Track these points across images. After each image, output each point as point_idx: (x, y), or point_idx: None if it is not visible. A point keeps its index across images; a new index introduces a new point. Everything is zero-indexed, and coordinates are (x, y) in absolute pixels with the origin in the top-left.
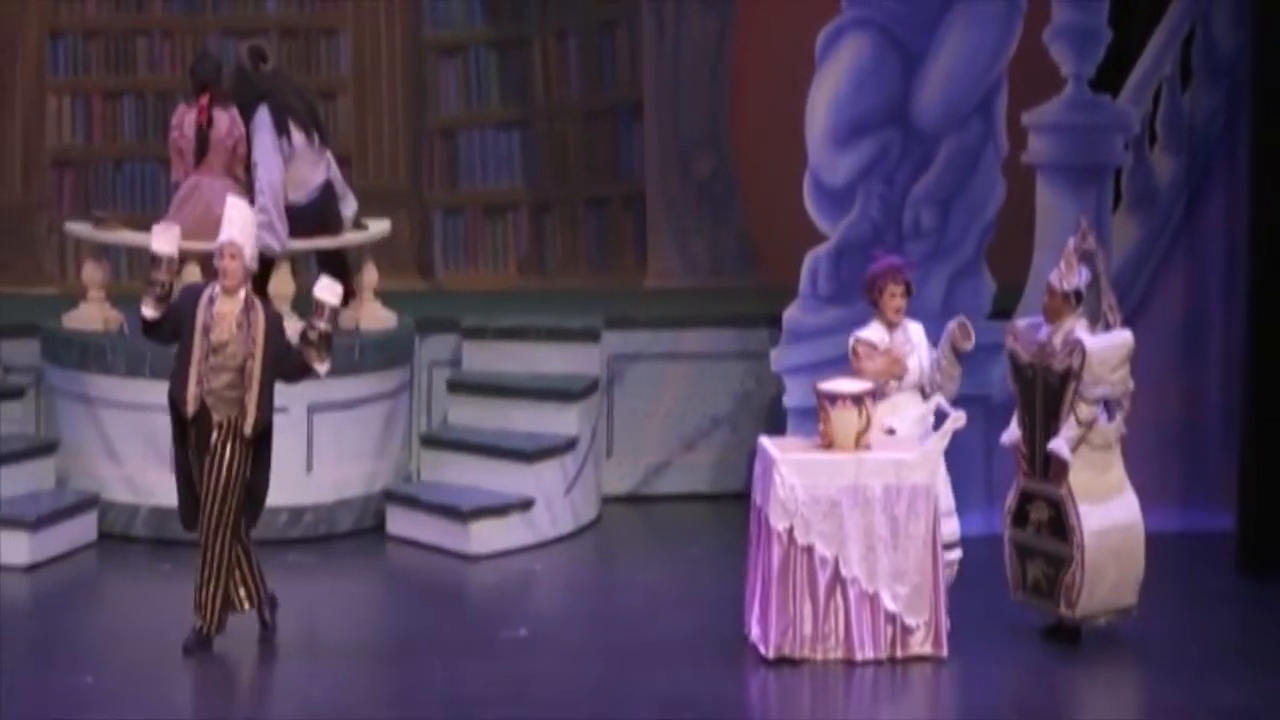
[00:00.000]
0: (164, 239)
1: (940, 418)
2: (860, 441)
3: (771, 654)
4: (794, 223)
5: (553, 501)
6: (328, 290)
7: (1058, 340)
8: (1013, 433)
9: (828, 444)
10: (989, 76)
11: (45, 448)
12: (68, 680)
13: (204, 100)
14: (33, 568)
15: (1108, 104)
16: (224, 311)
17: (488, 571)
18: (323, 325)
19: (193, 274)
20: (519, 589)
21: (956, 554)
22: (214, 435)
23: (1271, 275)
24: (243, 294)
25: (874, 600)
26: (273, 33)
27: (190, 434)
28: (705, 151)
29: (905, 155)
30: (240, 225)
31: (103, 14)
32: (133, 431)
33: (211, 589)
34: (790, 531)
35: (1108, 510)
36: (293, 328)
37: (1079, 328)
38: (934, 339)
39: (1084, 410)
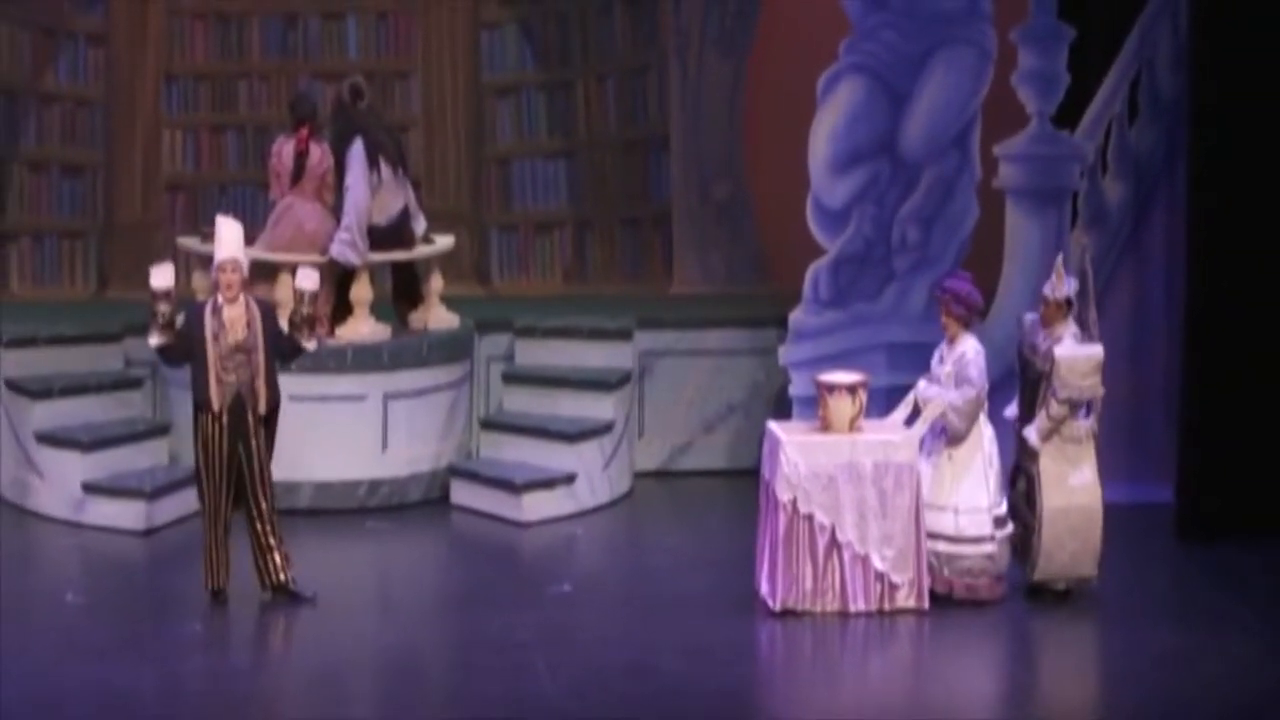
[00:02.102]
0: (160, 275)
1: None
2: (853, 425)
3: (778, 607)
4: (798, 238)
5: (592, 476)
6: (306, 278)
7: (1045, 345)
8: (1013, 409)
9: (825, 427)
10: (965, 114)
11: (160, 430)
12: (179, 628)
13: (303, 132)
14: (149, 532)
15: (1066, 138)
16: (233, 317)
17: (537, 536)
18: (305, 309)
19: (285, 285)
20: (563, 551)
21: (989, 547)
22: (247, 420)
23: (1206, 284)
24: (242, 297)
25: (865, 561)
26: (355, 76)
27: (224, 425)
28: (723, 178)
29: (893, 181)
30: (233, 242)
31: (210, 60)
32: None
33: (283, 547)
34: (794, 502)
35: (1071, 493)
36: (370, 329)
37: (1068, 335)
38: (925, 339)
39: (1054, 408)
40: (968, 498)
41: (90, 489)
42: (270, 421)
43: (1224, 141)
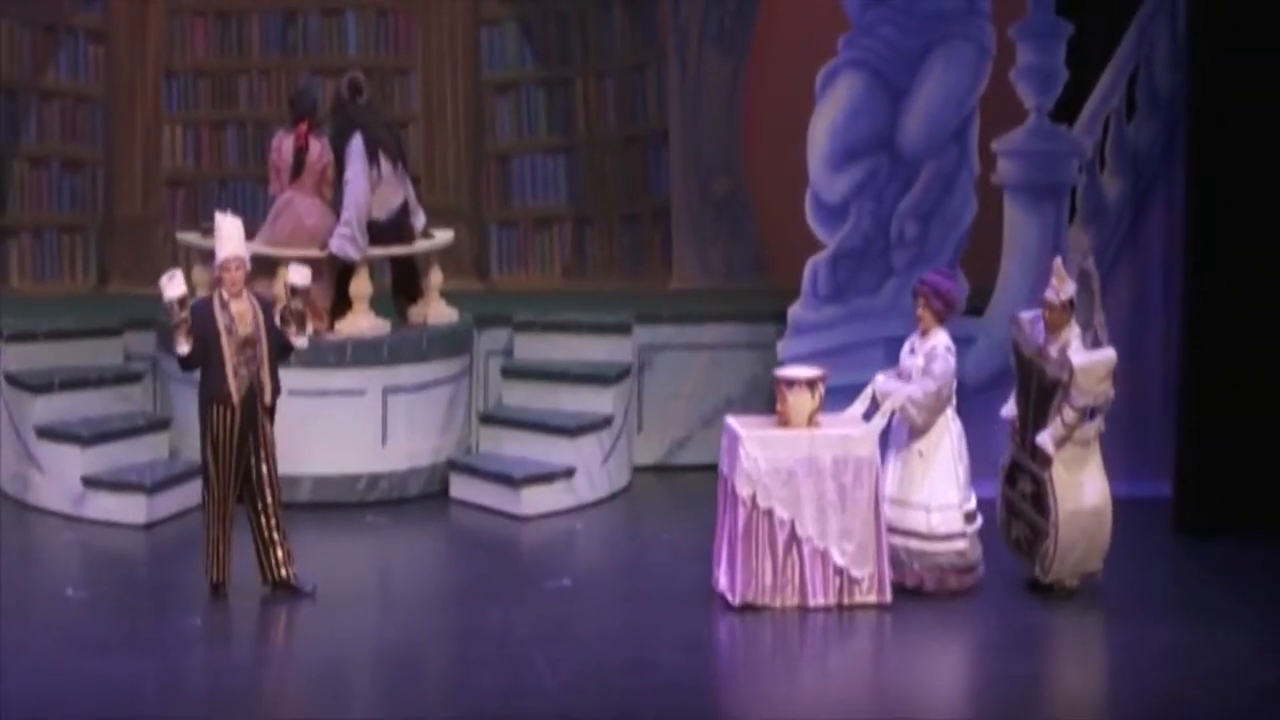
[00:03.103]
0: (173, 286)
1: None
2: (811, 419)
3: (737, 602)
4: (797, 234)
5: (592, 470)
6: (298, 274)
7: (1054, 350)
8: (1010, 408)
9: (784, 421)
10: (964, 109)
11: (160, 424)
12: (179, 622)
13: (302, 128)
14: (149, 526)
15: (1064, 133)
16: (241, 311)
17: (536, 530)
18: (295, 304)
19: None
20: (562, 545)
21: (960, 544)
22: (258, 412)
23: (1204, 279)
24: (244, 292)
25: (825, 555)
26: (354, 72)
27: (239, 418)
28: (722, 174)
29: (892, 176)
30: (235, 238)
31: (209, 57)
32: None
33: (287, 543)
34: (753, 497)
35: (1082, 497)
36: (369, 324)
37: (1074, 338)
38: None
39: (1070, 415)
40: (939, 495)
41: (90, 483)
42: (270, 417)
43: (1222, 137)
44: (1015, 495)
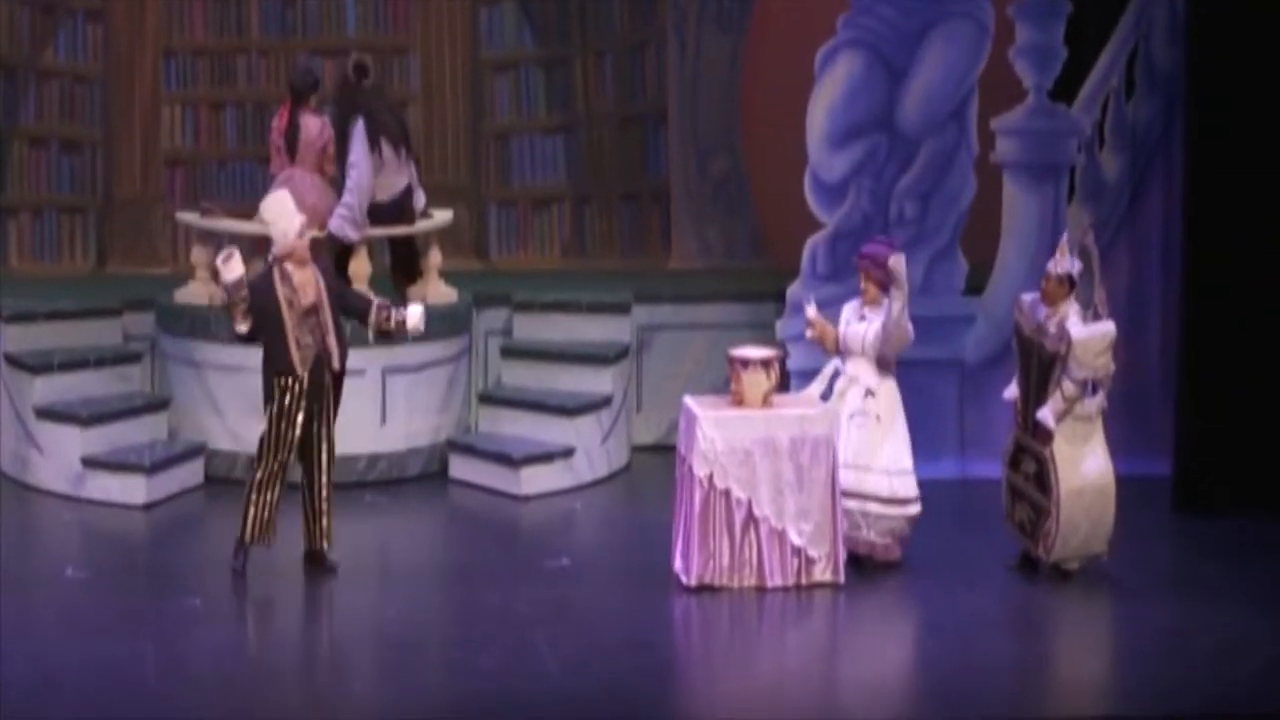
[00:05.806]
0: (232, 268)
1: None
2: (766, 399)
3: (693, 583)
4: (796, 213)
5: (591, 450)
6: (418, 319)
7: (1052, 324)
8: (1013, 390)
9: (739, 401)
10: (963, 88)
11: (159, 404)
12: (179, 602)
13: (284, 108)
14: (149, 506)
15: (1063, 112)
16: (303, 280)
17: (535, 510)
18: (392, 327)
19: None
20: (562, 524)
21: (915, 509)
22: (324, 381)
23: (1203, 256)
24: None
25: (782, 536)
26: (354, 53)
27: (305, 390)
28: (720, 153)
29: (891, 156)
30: (295, 212)
31: (209, 37)
32: (233, 390)
33: (330, 518)
34: (710, 478)
35: (1084, 474)
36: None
37: (1073, 313)
38: (922, 312)
39: (1069, 388)
40: (900, 460)
41: (90, 463)
42: (339, 381)
43: (1220, 115)
44: (1018, 478)
